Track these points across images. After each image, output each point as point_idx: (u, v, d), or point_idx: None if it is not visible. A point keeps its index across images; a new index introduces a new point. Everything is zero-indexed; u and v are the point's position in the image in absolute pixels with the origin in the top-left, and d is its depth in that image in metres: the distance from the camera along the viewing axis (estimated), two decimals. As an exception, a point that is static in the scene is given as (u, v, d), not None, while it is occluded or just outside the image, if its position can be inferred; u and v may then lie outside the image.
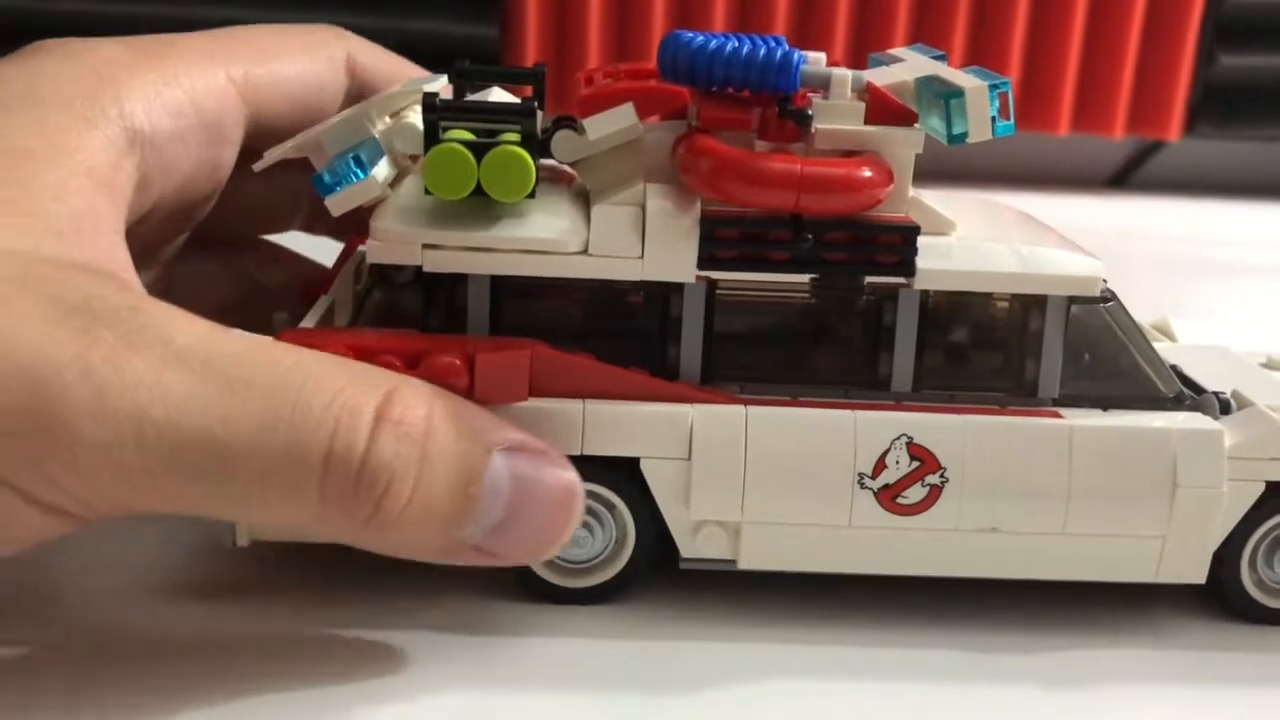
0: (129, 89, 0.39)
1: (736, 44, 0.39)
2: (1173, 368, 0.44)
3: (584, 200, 0.41)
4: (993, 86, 0.38)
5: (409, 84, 0.41)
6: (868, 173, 0.38)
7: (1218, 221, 1.03)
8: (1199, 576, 0.40)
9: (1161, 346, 0.48)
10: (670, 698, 0.37)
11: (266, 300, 0.49)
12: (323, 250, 0.51)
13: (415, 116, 0.40)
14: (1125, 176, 0.83)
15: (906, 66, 0.42)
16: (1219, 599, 0.42)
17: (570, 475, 0.36)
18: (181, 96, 0.40)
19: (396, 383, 0.35)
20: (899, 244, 0.39)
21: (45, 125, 0.37)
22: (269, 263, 0.51)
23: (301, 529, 0.35)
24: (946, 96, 0.38)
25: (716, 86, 0.39)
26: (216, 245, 0.48)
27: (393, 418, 0.34)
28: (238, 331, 0.34)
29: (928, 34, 0.94)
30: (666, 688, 0.37)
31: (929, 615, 0.41)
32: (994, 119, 0.38)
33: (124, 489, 0.32)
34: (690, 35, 0.40)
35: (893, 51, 0.44)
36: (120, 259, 0.36)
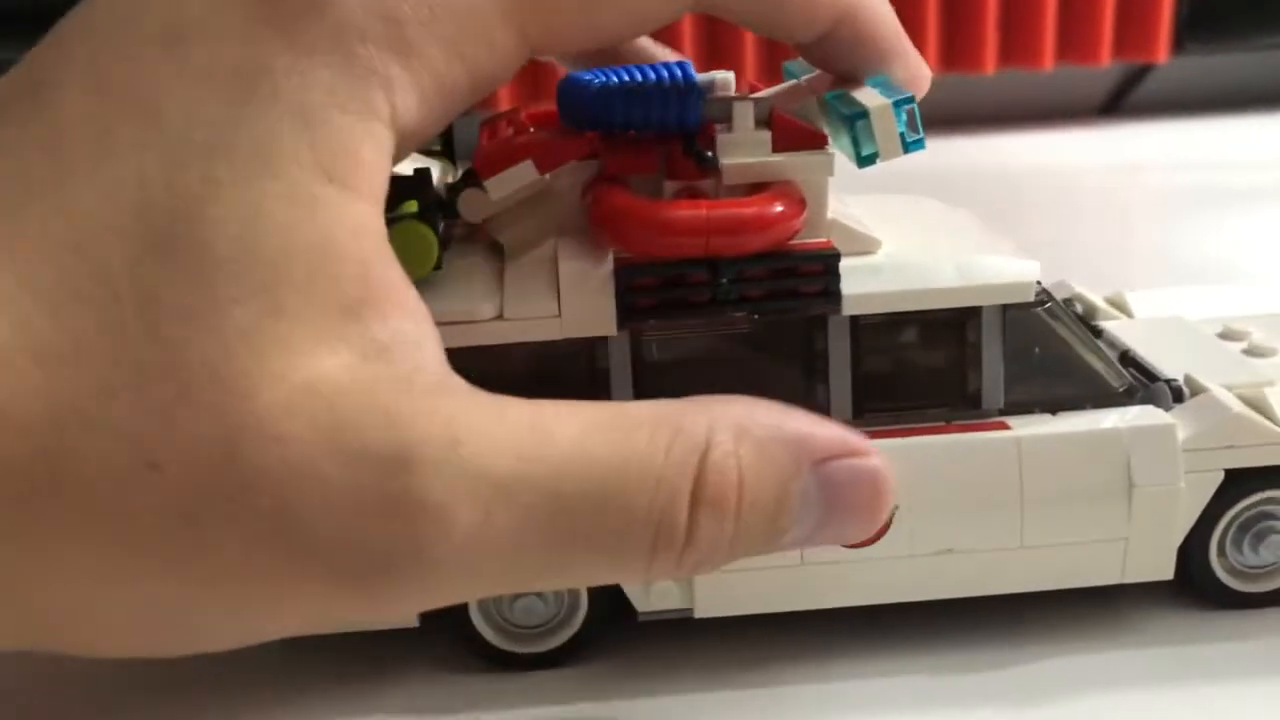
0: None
1: (634, 82, 0.38)
2: (1125, 353, 0.43)
3: (499, 256, 0.40)
4: (897, 104, 0.37)
5: None
6: (778, 207, 0.37)
7: (1212, 141, 1.01)
8: (1167, 573, 0.39)
9: (1116, 324, 0.46)
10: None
11: None
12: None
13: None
14: (1116, 104, 0.81)
15: (816, 80, 0.41)
16: (1192, 590, 0.41)
17: (878, 464, 0.33)
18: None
19: (706, 441, 0.32)
20: (820, 273, 0.38)
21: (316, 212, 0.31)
22: None
23: None
24: (852, 118, 0.37)
25: (618, 129, 0.38)
26: None
27: (707, 498, 0.31)
28: (548, 426, 0.31)
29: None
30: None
31: (891, 643, 0.40)
32: (903, 135, 0.37)
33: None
34: (587, 76, 0.39)
35: (805, 59, 0.43)
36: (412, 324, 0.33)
